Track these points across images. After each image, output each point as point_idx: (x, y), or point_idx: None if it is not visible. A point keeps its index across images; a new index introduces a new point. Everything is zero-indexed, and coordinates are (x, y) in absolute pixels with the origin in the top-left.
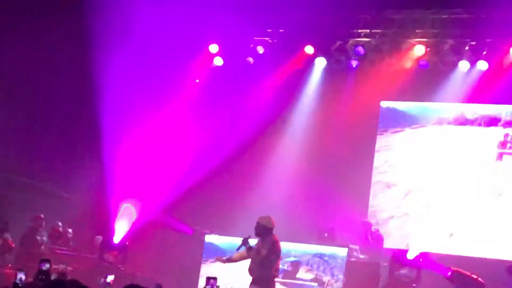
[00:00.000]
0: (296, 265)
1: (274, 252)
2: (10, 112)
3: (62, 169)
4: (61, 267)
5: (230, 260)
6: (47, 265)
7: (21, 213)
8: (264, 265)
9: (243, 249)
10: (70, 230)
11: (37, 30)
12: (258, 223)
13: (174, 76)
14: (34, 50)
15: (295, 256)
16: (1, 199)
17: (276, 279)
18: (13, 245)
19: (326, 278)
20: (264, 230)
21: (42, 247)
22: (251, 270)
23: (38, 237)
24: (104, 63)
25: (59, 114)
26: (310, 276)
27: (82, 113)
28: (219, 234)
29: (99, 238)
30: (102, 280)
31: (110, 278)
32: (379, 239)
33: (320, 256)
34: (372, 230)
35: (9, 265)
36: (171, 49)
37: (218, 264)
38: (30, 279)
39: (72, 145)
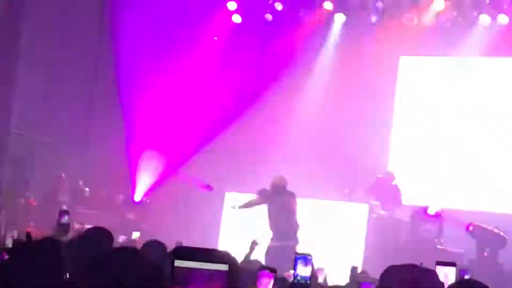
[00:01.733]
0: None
1: (295, 203)
2: (29, 73)
3: (81, 128)
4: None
5: (242, 206)
6: (66, 217)
7: (42, 173)
8: (289, 217)
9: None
10: (87, 189)
11: None
12: (273, 184)
13: (192, 33)
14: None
15: (317, 212)
16: (22, 159)
17: None
18: (35, 204)
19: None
20: (280, 189)
21: (64, 206)
22: (277, 230)
23: (60, 197)
24: (121, 20)
25: (77, 73)
26: (331, 231)
27: (100, 71)
28: (239, 191)
29: (120, 196)
30: (121, 238)
31: (135, 235)
32: (398, 193)
33: (340, 211)
34: (393, 183)
35: (31, 223)
36: (189, 6)
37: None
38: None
39: (91, 103)
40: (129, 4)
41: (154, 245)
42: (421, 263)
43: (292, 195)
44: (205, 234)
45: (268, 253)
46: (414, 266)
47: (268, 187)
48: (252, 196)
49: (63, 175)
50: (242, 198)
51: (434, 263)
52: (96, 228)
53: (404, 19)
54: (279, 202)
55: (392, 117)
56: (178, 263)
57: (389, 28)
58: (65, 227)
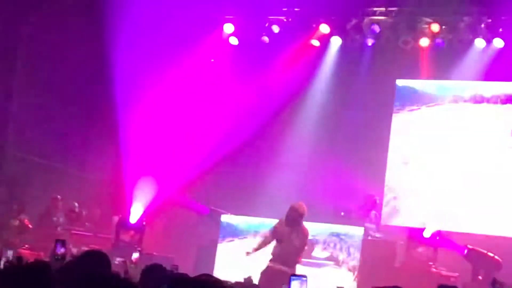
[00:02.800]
0: (311, 244)
1: (305, 243)
2: (26, 93)
3: (78, 150)
4: (75, 250)
5: (255, 249)
6: (62, 249)
7: (37, 194)
8: (295, 254)
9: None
10: (83, 211)
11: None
12: (291, 209)
13: (189, 56)
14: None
15: (312, 236)
16: (18, 179)
17: None
18: (30, 225)
19: (341, 256)
20: (296, 218)
21: (59, 228)
22: (279, 256)
23: (54, 218)
24: (117, 40)
25: (75, 95)
26: (325, 254)
27: (97, 94)
28: (235, 214)
29: (116, 218)
30: (117, 260)
31: (134, 256)
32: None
33: (337, 235)
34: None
35: (26, 245)
36: (186, 28)
37: (235, 243)
38: (47, 259)
39: (88, 125)
40: (124, 24)
41: (156, 270)
42: None
43: (305, 235)
44: (201, 257)
45: (265, 273)
46: None
47: (267, 210)
48: (248, 219)
49: (59, 196)
50: (237, 220)
51: (429, 286)
52: (92, 251)
53: (400, 42)
54: (290, 238)
55: (389, 139)
56: None
57: (386, 51)
58: (61, 258)
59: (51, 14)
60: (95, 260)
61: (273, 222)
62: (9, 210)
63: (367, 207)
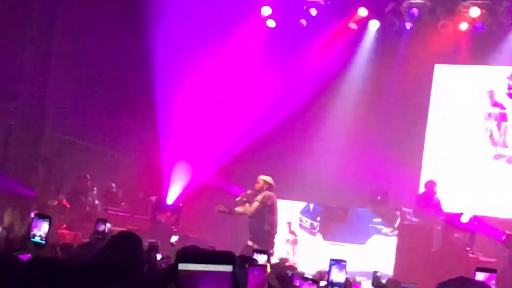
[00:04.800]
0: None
1: (266, 205)
2: (68, 75)
3: (115, 132)
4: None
5: (231, 213)
6: (103, 226)
7: (74, 174)
8: (257, 219)
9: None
10: (120, 192)
11: None
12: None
13: (227, 39)
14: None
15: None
16: (58, 160)
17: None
18: (68, 205)
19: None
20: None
21: (87, 208)
22: (248, 226)
23: (89, 198)
24: (156, 23)
25: (114, 77)
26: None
27: (136, 77)
28: None
29: (153, 198)
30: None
31: (174, 238)
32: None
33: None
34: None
35: (64, 225)
36: (224, 11)
37: None
38: (86, 240)
39: (126, 108)
40: (163, 10)
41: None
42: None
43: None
44: (236, 239)
45: None
46: (465, 279)
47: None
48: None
49: (88, 176)
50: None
51: (466, 271)
52: (125, 232)
53: (440, 26)
54: None
55: (426, 125)
56: (182, 266)
57: (424, 35)
58: (102, 238)
59: None
60: (127, 242)
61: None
62: (48, 190)
63: (427, 195)
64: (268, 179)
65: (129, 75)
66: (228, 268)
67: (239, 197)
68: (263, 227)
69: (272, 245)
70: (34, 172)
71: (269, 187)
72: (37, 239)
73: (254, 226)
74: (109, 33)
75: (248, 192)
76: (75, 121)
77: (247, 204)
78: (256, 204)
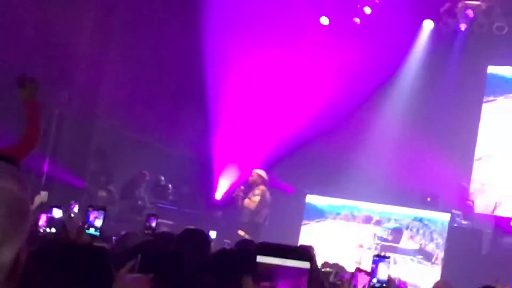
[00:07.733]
0: (398, 232)
1: (265, 198)
2: (118, 67)
3: (167, 126)
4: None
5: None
6: (154, 222)
7: (125, 166)
8: (252, 211)
9: None
10: (170, 185)
11: None
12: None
13: (279, 34)
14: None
15: (395, 220)
16: (107, 151)
17: (379, 252)
18: (116, 197)
19: (430, 247)
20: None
21: (139, 202)
22: (242, 216)
23: (139, 192)
24: (210, 17)
25: (167, 72)
26: (414, 245)
27: (189, 72)
28: (320, 195)
29: (201, 194)
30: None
31: (212, 234)
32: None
33: (420, 220)
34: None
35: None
36: (277, 5)
37: (320, 225)
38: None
39: (178, 103)
40: (217, 6)
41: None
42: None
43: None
44: (284, 236)
45: None
46: None
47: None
48: (333, 200)
49: (147, 173)
50: (322, 201)
51: None
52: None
53: (494, 28)
54: None
55: (478, 126)
56: (260, 258)
57: (479, 36)
58: (152, 232)
59: None
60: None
61: (357, 204)
62: (98, 181)
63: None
64: (262, 173)
65: (184, 71)
66: (306, 264)
67: (236, 192)
68: (256, 219)
69: (262, 237)
70: (85, 162)
71: (263, 180)
72: (91, 230)
73: (247, 217)
74: (167, 27)
75: (242, 187)
76: (128, 114)
77: (247, 200)
78: (257, 198)
